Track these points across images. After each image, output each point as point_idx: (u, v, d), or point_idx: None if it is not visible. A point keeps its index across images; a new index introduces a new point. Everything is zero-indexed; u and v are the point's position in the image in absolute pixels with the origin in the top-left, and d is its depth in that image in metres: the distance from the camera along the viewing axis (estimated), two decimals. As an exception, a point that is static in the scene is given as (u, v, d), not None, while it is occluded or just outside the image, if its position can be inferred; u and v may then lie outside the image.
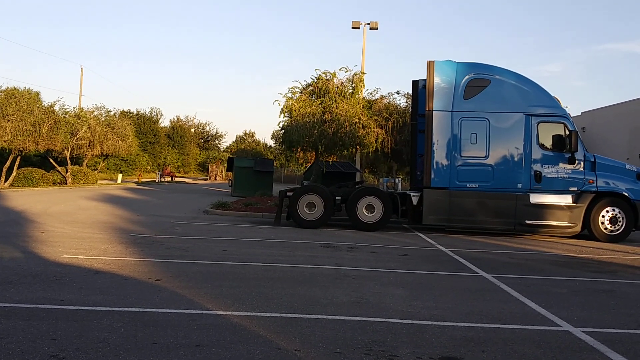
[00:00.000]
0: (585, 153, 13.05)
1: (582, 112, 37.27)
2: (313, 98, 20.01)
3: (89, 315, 4.94)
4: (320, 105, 19.46)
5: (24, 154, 28.21)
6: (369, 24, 28.57)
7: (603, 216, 12.84)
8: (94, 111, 36.73)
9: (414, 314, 5.44)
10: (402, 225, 15.27)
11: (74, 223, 12.54)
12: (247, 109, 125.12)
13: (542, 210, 12.80)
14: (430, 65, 13.25)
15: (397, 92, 23.55)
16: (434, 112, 13.12)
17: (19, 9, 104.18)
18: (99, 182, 36.99)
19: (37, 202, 18.43)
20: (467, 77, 13.15)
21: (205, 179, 62.68)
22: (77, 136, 32.76)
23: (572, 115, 14.14)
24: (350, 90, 20.17)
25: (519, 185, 12.90)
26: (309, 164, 31.90)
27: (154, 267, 7.47)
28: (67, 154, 32.23)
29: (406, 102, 22.68)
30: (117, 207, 17.76)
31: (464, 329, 5.00)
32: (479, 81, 13.14)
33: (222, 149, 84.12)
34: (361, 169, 29.50)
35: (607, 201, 12.85)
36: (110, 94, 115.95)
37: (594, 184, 12.87)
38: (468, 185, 13.02)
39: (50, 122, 27.35)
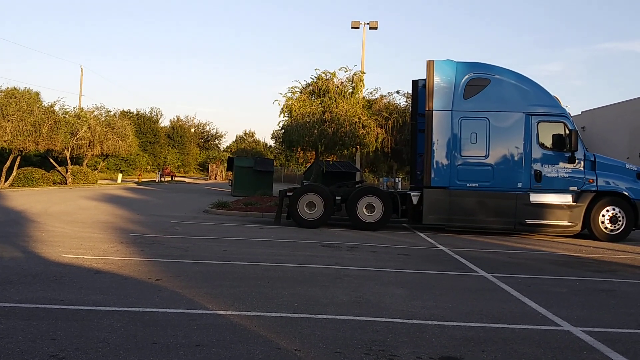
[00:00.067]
0: (585, 152, 13.04)
1: (582, 112, 37.33)
2: (313, 98, 20.00)
3: (89, 315, 4.94)
4: (320, 105, 19.46)
5: (24, 154, 28.22)
6: (368, 23, 28.59)
7: (603, 215, 12.84)
8: (94, 111, 36.76)
9: (414, 314, 5.44)
10: (402, 224, 15.26)
11: (74, 223, 12.54)
12: (247, 109, 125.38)
13: (542, 209, 12.79)
14: (430, 64, 13.25)
15: (397, 92, 23.63)
16: (434, 111, 13.12)
17: (19, 9, 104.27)
18: (99, 181, 36.99)
19: (37, 201, 18.43)
20: (467, 76, 13.14)
21: (205, 179, 62.67)
22: (77, 136, 32.77)
23: (572, 115, 14.13)
24: (350, 90, 20.17)
25: (519, 185, 12.90)
26: (309, 164, 31.93)
27: (154, 266, 7.47)
28: (67, 153, 32.24)
29: (406, 101, 22.70)
30: (117, 206, 17.76)
31: (464, 328, 4.99)
32: (478, 81, 13.13)
33: (222, 149, 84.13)
34: (361, 168, 29.51)
35: (607, 200, 12.85)
36: (110, 94, 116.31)
37: (594, 184, 12.86)
38: (468, 184, 13.02)
39: (50, 122, 27.35)
